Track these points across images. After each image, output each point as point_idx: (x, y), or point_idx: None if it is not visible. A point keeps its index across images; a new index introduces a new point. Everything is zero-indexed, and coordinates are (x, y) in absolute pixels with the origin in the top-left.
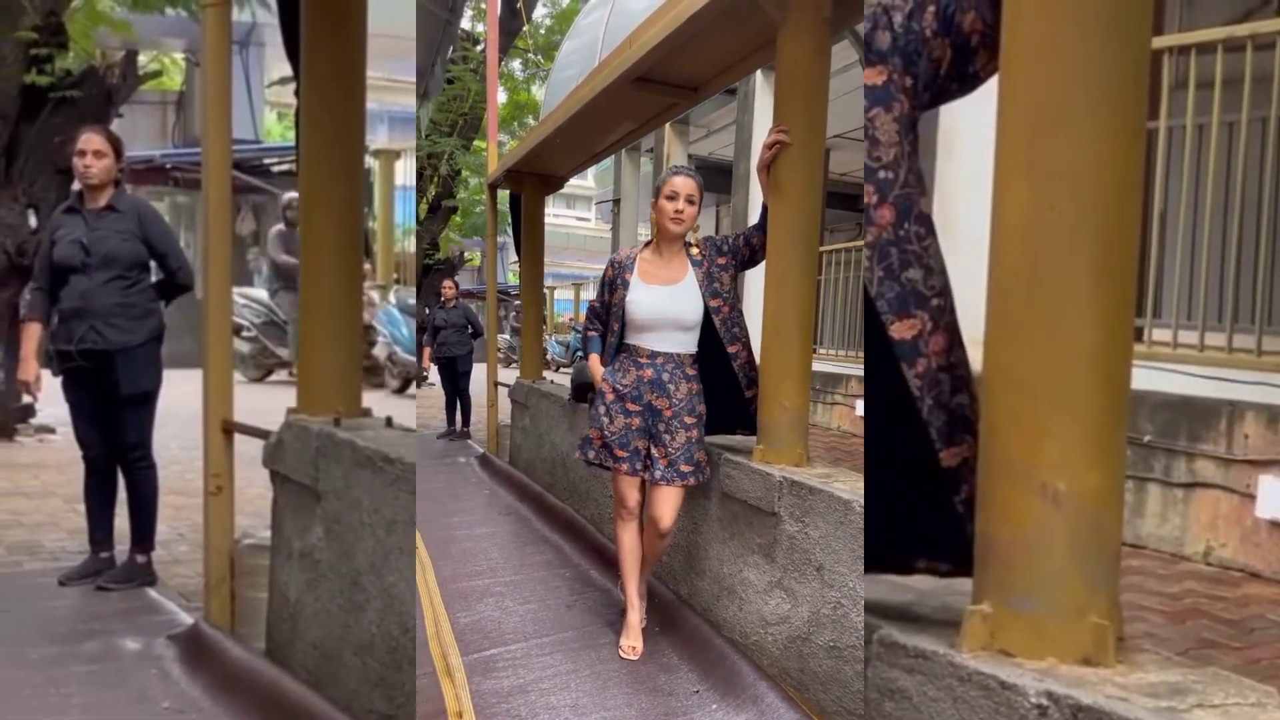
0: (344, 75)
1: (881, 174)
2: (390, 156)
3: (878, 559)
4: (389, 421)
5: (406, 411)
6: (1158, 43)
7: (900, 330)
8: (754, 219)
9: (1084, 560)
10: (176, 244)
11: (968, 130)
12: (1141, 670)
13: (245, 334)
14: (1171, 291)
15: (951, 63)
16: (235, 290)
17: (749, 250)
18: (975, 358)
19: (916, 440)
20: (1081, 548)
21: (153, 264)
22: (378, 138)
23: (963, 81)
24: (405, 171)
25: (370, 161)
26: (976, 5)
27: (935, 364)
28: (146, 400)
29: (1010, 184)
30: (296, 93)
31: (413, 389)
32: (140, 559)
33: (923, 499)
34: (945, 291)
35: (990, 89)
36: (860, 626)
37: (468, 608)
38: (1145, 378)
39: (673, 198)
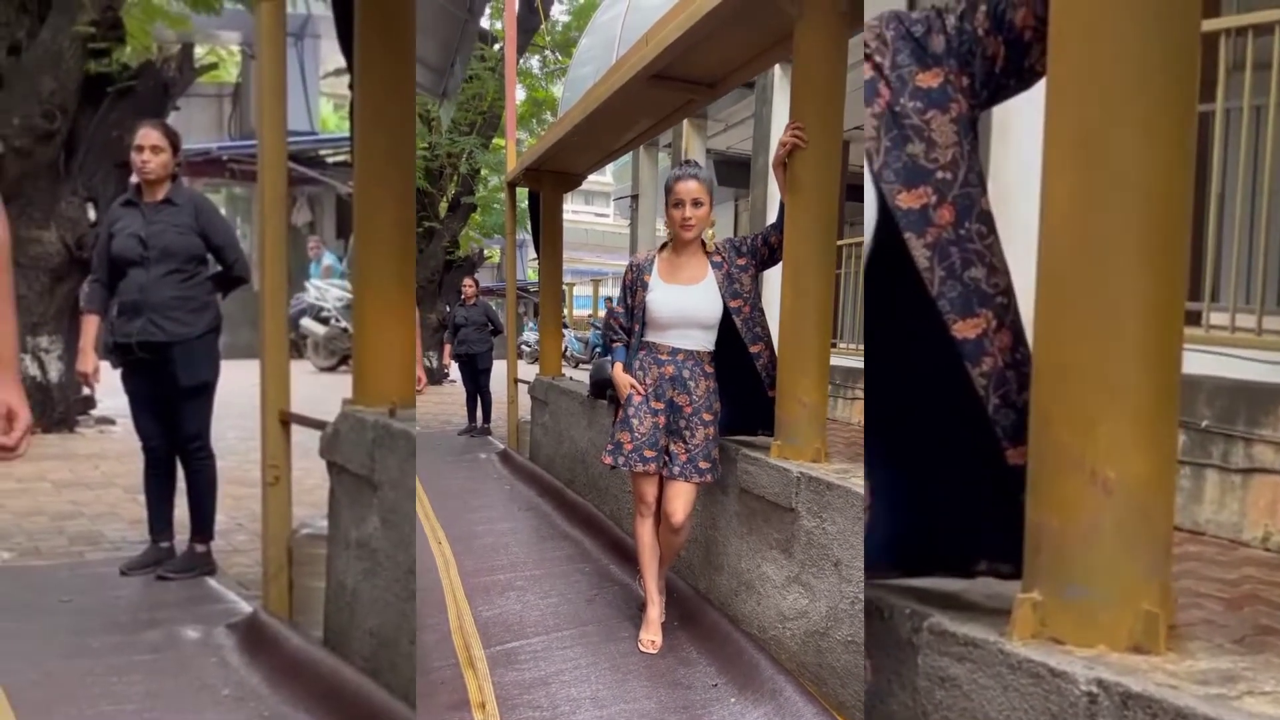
0: (396, 66)
1: (939, 175)
2: None
3: (933, 562)
4: None
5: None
6: (1215, 24)
7: (964, 329)
8: (773, 214)
9: (1134, 548)
10: (233, 237)
11: (1022, 117)
12: (1192, 658)
13: (324, 314)
14: (1229, 275)
15: (1006, 59)
16: (325, 281)
17: (768, 250)
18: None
19: (979, 440)
20: (1132, 535)
21: (210, 257)
22: None
23: (1020, 77)
24: None
25: None
26: (1028, 1)
27: (1002, 361)
28: (204, 391)
29: (1060, 173)
30: (350, 85)
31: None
32: (200, 548)
33: (985, 500)
34: (1009, 290)
35: None
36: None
37: (489, 601)
38: (1203, 362)
39: (679, 205)
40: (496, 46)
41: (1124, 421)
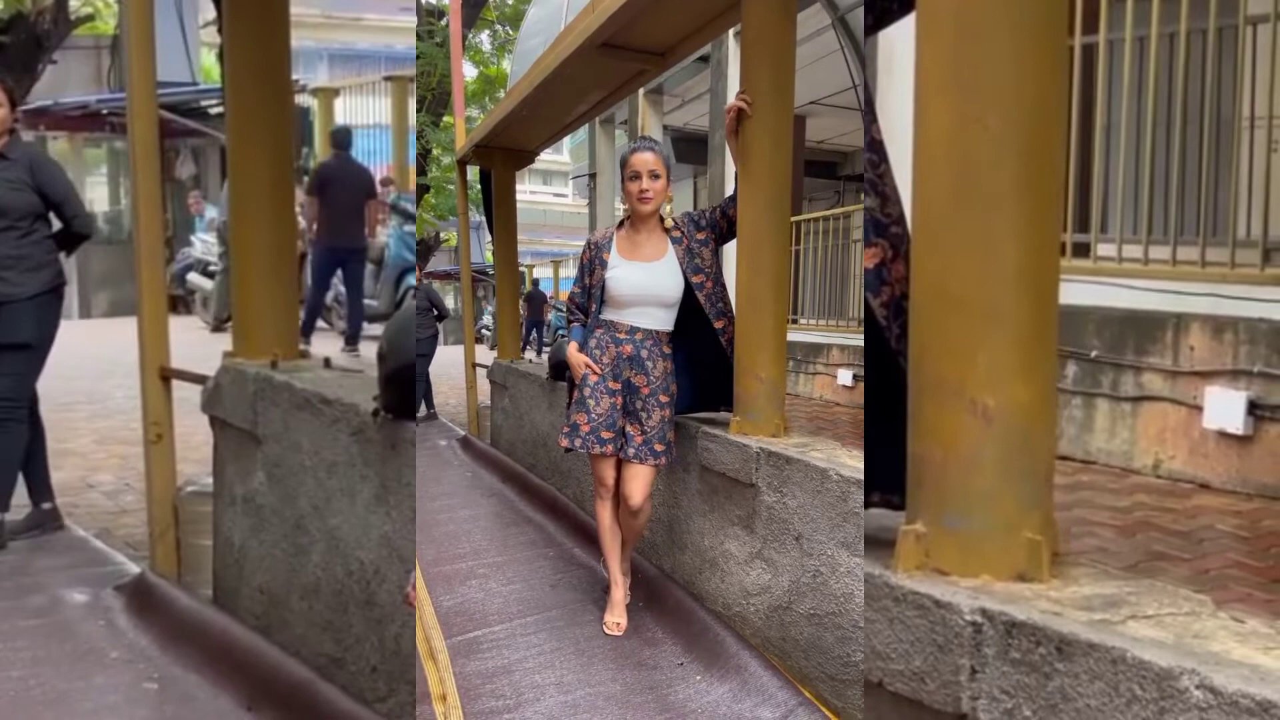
0: (268, 12)
1: None
2: (329, 94)
3: None
4: (327, 362)
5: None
6: None
7: (864, 259)
8: (730, 189)
9: (1016, 476)
10: (72, 192)
11: (907, 46)
12: (1076, 584)
13: (211, 268)
14: (1115, 205)
15: None
16: (211, 235)
17: (727, 222)
18: None
19: (885, 371)
20: (1013, 464)
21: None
22: (317, 75)
23: (902, 1)
24: (345, 110)
25: (309, 100)
26: None
27: (899, 291)
28: (24, 351)
29: (933, 100)
30: (220, 30)
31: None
32: (45, 506)
33: (883, 431)
34: (902, 219)
35: None
36: (839, 594)
37: (451, 590)
38: (1091, 292)
39: (635, 177)
40: (444, 21)
41: (1003, 349)
